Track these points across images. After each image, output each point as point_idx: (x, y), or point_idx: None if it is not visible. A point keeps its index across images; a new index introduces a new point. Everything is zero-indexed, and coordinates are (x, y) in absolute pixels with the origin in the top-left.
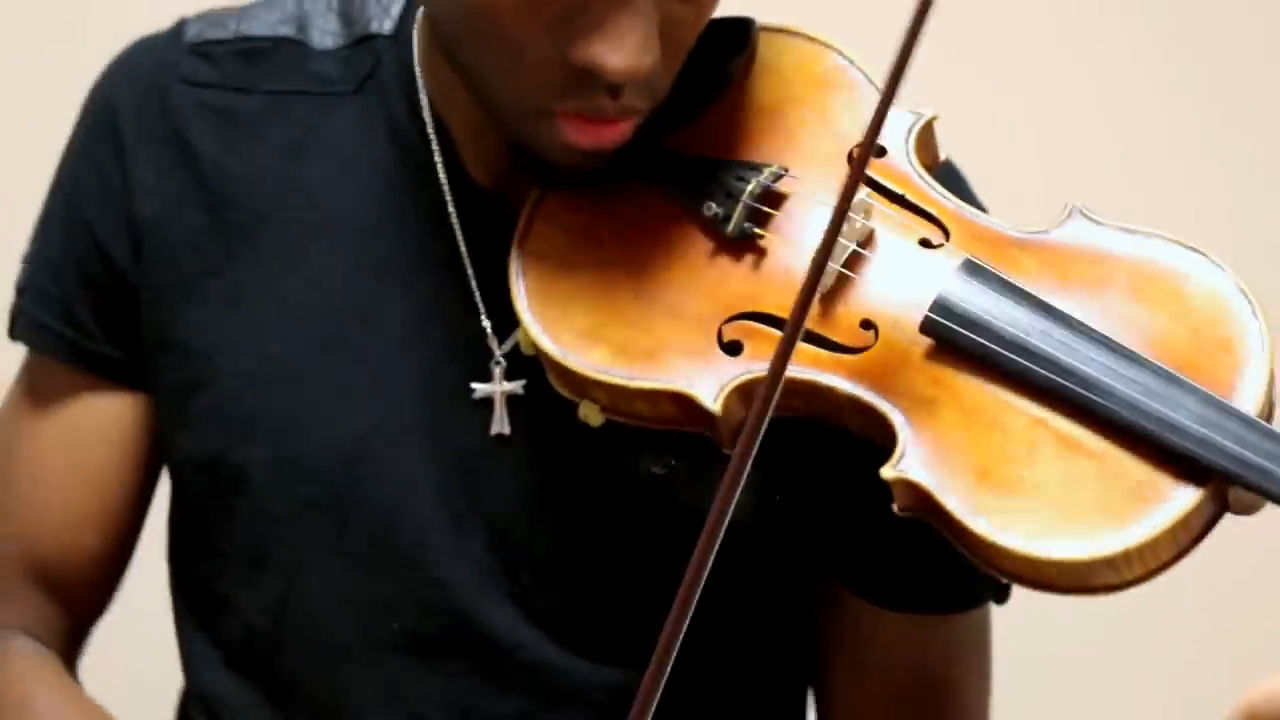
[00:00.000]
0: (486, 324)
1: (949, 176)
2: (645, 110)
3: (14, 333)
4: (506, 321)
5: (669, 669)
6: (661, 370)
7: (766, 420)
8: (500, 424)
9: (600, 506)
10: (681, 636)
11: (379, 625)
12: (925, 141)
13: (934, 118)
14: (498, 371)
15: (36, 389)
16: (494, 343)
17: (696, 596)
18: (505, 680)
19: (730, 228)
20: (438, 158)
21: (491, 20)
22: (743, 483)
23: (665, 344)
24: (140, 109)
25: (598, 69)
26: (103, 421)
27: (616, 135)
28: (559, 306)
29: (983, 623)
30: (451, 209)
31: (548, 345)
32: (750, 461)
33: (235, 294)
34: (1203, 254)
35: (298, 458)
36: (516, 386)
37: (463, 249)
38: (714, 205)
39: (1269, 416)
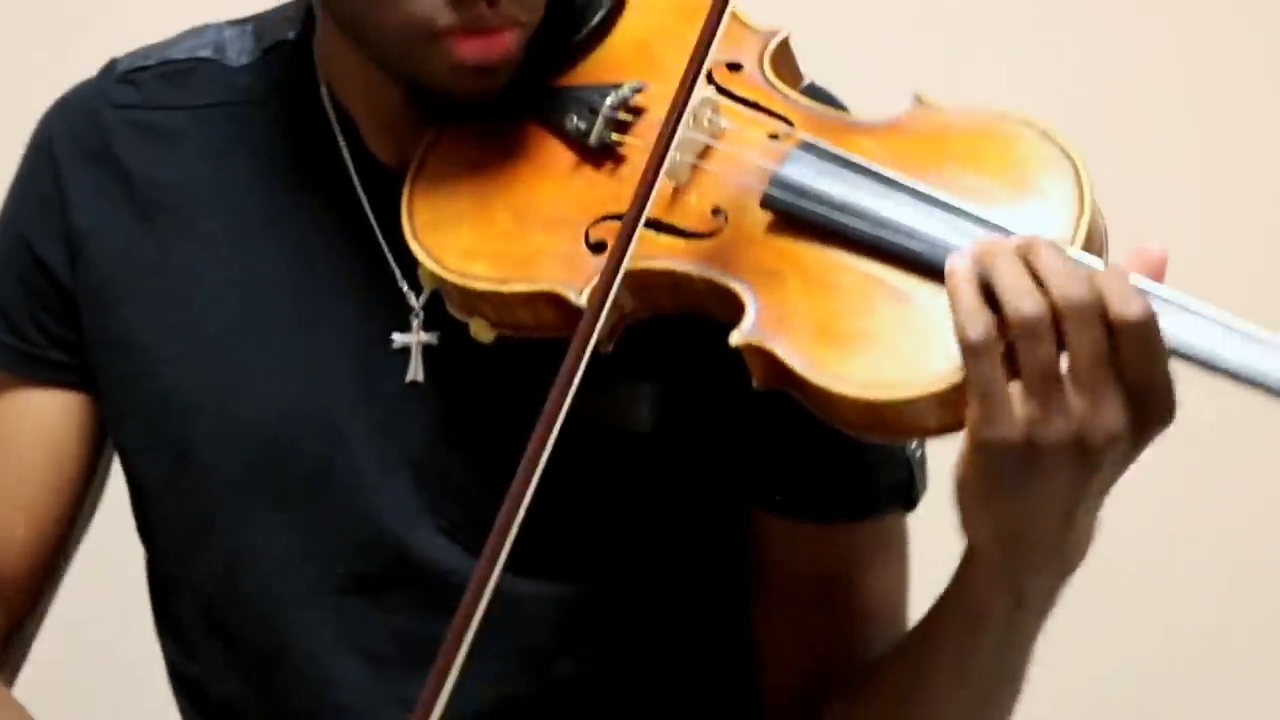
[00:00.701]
0: (403, 284)
1: (815, 94)
2: (525, 21)
3: None
4: (419, 281)
5: (502, 557)
6: (534, 273)
7: (612, 292)
8: (415, 371)
9: (509, 435)
10: (518, 521)
11: (324, 571)
12: (781, 57)
13: (787, 36)
14: (415, 323)
15: None
16: (410, 298)
17: (533, 478)
18: (446, 607)
19: (592, 138)
20: (341, 142)
21: None
22: (585, 359)
23: (538, 251)
24: (74, 136)
25: None
26: (37, 419)
27: (501, 48)
28: (444, 232)
29: (890, 530)
30: (359, 188)
31: (433, 266)
32: (594, 333)
33: (171, 290)
34: (1026, 121)
35: (235, 422)
36: (431, 337)
37: (372, 222)
38: (575, 119)
39: (1100, 254)
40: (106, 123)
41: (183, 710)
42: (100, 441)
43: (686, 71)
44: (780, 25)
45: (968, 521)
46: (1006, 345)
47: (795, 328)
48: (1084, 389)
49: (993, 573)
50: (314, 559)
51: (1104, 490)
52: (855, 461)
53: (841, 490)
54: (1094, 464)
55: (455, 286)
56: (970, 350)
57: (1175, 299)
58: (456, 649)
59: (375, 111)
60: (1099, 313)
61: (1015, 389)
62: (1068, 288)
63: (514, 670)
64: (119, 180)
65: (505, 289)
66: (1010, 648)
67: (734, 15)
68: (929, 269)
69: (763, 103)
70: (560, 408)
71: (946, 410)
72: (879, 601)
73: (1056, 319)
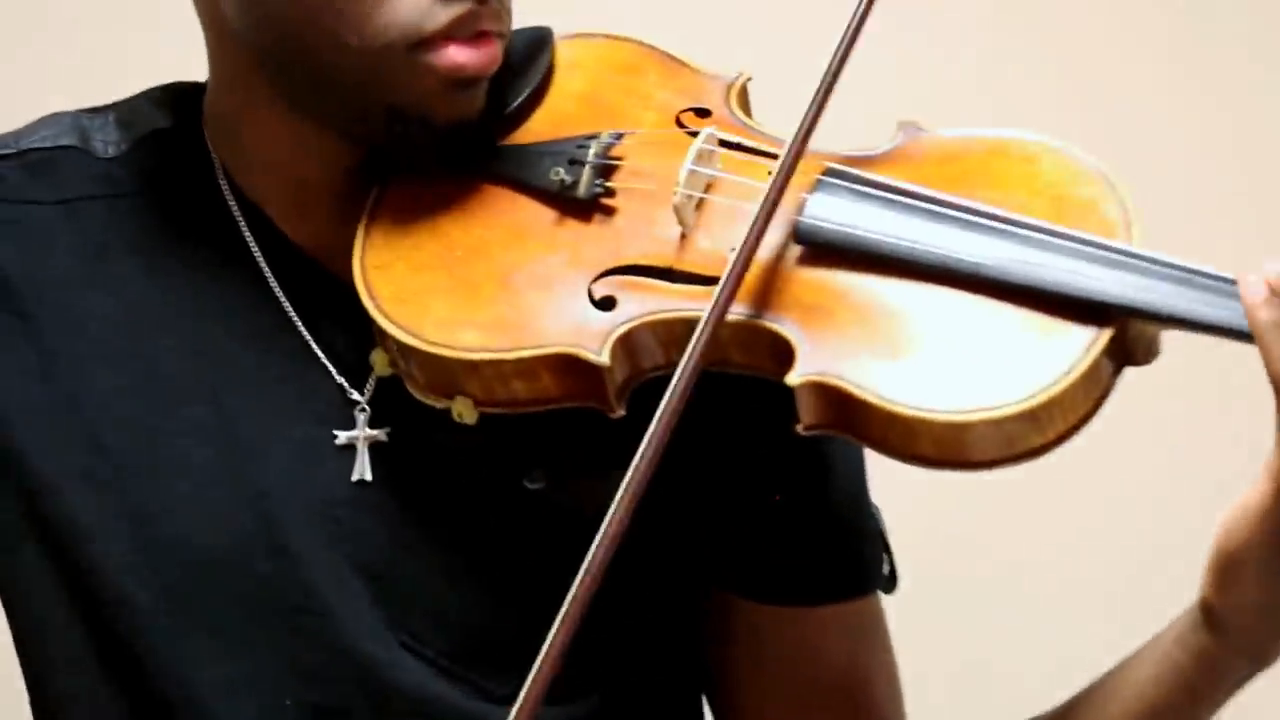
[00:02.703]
0: (340, 380)
1: None
2: (504, 33)
3: None
4: (360, 373)
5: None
6: (538, 336)
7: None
8: (362, 470)
9: (479, 538)
10: (567, 644)
11: (271, 704)
12: (744, 98)
13: (749, 78)
14: (361, 418)
15: None
16: (353, 393)
17: (587, 603)
18: None
19: (581, 190)
20: (246, 232)
21: None
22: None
23: (536, 313)
24: None
25: None
26: None
27: (490, 56)
28: (417, 304)
29: (876, 615)
30: (269, 276)
31: (414, 342)
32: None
33: (61, 399)
34: (1040, 136)
35: (152, 547)
36: (381, 434)
37: (289, 312)
38: (561, 171)
39: None
40: None
41: None
42: None
43: (792, 146)
44: (739, 69)
45: (1230, 587)
46: None
47: (859, 358)
48: None
49: (1237, 645)
50: (258, 691)
51: None
52: (832, 541)
53: (823, 570)
54: None
55: (437, 362)
56: None
57: None
58: None
59: (295, 190)
60: None
61: None
62: None
63: None
64: None
65: (507, 356)
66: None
67: (678, 61)
68: (1000, 285)
69: (749, 142)
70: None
71: (1033, 430)
72: (880, 696)
73: None
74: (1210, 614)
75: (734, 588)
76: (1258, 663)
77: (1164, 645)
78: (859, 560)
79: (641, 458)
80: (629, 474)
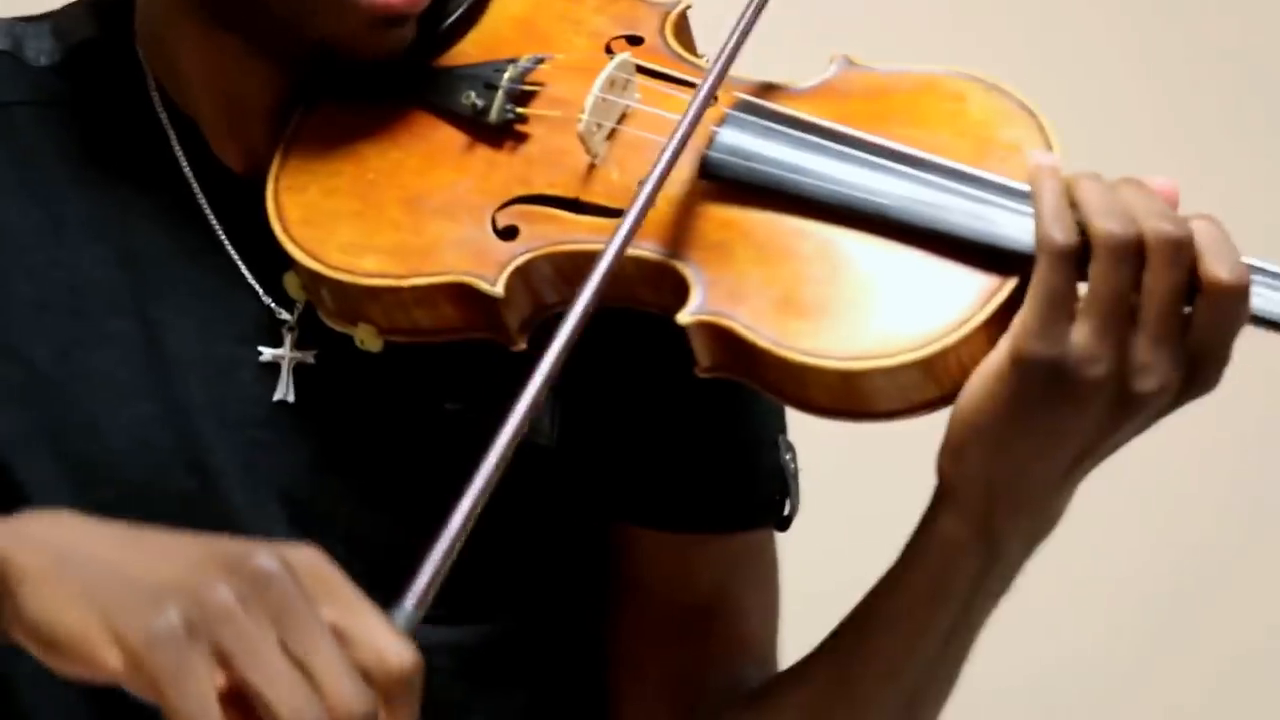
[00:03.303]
0: (267, 300)
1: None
2: None
3: None
4: (287, 295)
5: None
6: (436, 264)
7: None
8: (285, 390)
9: (398, 460)
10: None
11: None
12: (681, 28)
13: (688, 6)
14: (289, 339)
15: None
16: (281, 313)
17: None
18: None
19: (493, 114)
20: (176, 148)
21: None
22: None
23: (438, 240)
24: None
25: None
26: None
27: None
28: (322, 228)
29: (761, 549)
30: (199, 195)
31: (315, 266)
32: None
33: None
34: (973, 75)
35: (83, 461)
36: (307, 356)
37: (219, 232)
38: (473, 95)
39: None
40: None
41: None
42: None
43: (707, 78)
44: None
45: (961, 455)
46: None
47: (754, 300)
48: (1147, 332)
49: (968, 522)
50: None
51: (1114, 449)
52: (727, 472)
53: (712, 500)
54: (1126, 415)
55: (339, 287)
56: (1049, 254)
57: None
58: None
59: (227, 109)
60: (1190, 258)
61: (1076, 311)
62: (1163, 223)
63: None
64: None
65: (403, 283)
66: (964, 627)
67: None
68: (905, 228)
69: (674, 73)
70: (524, 422)
71: (929, 381)
72: (752, 629)
73: (1143, 251)
74: (944, 487)
75: (621, 513)
76: (991, 547)
77: (913, 537)
78: (748, 495)
79: (534, 383)
80: (519, 400)
